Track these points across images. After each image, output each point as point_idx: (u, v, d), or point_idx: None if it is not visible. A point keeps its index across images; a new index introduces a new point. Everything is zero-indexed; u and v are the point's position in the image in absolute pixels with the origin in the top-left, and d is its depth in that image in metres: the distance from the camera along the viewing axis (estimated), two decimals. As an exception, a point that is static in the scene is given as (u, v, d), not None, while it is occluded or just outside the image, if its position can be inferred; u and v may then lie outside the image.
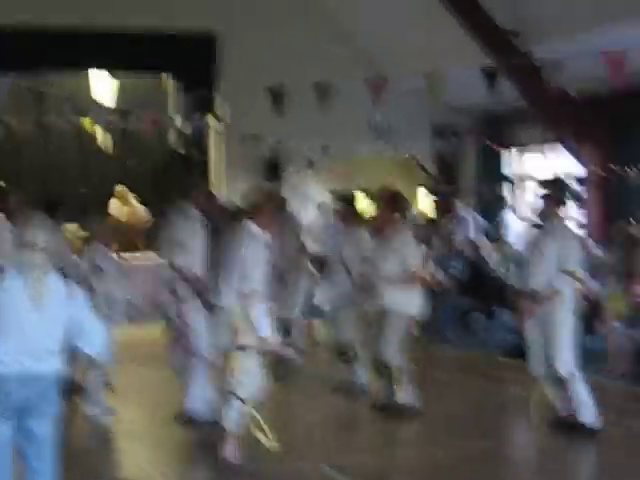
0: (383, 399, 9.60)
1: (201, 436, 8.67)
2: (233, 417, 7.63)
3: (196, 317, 8.96)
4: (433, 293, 10.62)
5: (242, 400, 7.60)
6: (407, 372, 9.45)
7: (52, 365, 5.37)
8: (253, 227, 7.78)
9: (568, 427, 8.58)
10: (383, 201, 9.84)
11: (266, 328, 7.53)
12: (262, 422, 7.72)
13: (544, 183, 9.06)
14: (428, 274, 10.20)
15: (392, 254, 9.48)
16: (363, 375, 10.47)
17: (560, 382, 8.63)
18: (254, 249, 7.66)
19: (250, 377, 7.63)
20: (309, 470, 7.69)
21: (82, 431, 9.25)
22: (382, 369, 9.56)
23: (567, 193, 9.06)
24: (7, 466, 5.41)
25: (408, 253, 9.46)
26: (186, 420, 9.00)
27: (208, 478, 7.83)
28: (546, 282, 8.50)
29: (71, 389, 10.14)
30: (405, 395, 9.43)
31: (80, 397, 9.59)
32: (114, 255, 9.98)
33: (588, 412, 8.52)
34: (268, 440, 7.80)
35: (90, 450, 8.74)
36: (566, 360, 8.52)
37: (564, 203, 8.87)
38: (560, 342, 8.54)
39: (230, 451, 7.69)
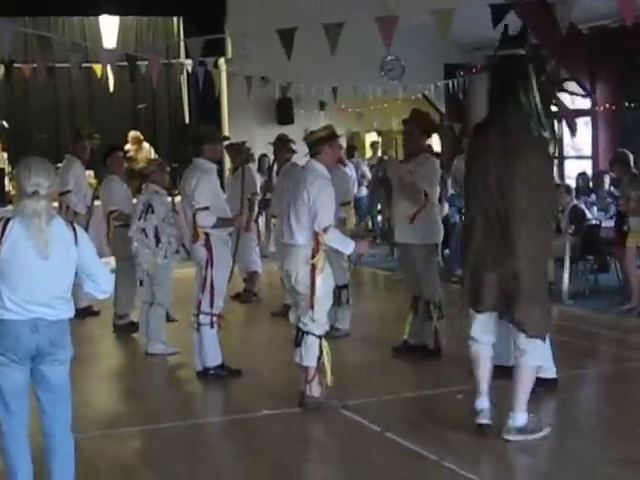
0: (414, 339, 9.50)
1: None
2: (313, 355, 7.72)
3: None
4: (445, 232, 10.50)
5: (320, 337, 7.75)
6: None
7: (62, 312, 5.40)
8: (317, 165, 7.75)
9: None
10: (414, 124, 9.40)
11: (349, 243, 7.79)
12: (329, 358, 7.84)
13: None
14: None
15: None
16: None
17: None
18: (322, 186, 7.61)
19: (325, 314, 7.78)
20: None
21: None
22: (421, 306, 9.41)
23: None
24: (23, 410, 5.47)
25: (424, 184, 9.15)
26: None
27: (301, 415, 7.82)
28: None
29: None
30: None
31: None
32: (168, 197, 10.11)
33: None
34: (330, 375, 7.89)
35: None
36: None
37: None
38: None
39: (315, 388, 7.80)
